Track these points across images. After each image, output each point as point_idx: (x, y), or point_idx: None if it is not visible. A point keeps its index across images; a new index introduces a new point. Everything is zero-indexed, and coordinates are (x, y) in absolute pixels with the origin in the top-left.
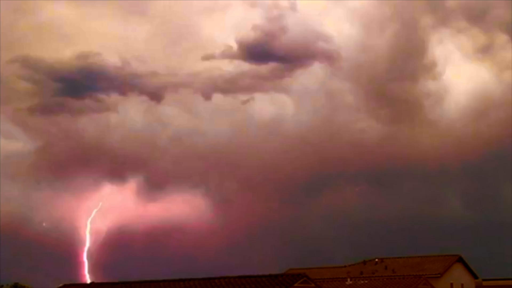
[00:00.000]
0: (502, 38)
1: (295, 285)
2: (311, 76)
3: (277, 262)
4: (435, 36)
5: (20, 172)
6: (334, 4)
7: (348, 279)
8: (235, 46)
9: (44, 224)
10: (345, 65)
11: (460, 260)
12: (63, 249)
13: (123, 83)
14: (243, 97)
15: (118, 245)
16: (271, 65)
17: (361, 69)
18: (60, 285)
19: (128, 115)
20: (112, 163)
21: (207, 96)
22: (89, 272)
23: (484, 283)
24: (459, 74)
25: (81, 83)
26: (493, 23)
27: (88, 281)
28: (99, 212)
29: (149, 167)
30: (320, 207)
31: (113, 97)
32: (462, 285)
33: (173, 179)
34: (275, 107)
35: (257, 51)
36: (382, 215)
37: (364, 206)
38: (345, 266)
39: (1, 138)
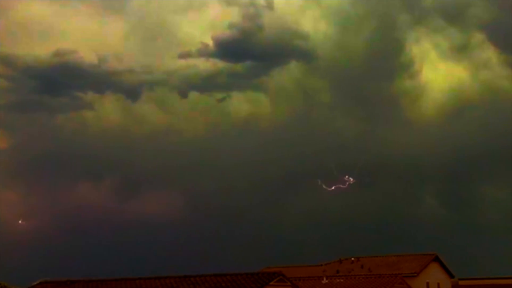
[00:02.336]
0: (478, 37)
1: (271, 283)
2: (288, 74)
3: (253, 260)
4: (412, 35)
5: None
6: (310, 2)
7: (324, 278)
8: (211, 44)
9: (20, 222)
10: (322, 64)
11: (437, 259)
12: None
13: (99, 81)
14: (219, 95)
15: (92, 242)
16: (248, 63)
17: (337, 68)
18: (37, 282)
19: (105, 113)
20: (88, 161)
21: (184, 94)
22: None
23: (460, 282)
24: (436, 73)
25: (58, 81)
26: (470, 22)
27: None
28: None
29: (125, 165)
30: (296, 205)
31: (90, 95)
32: (438, 284)
33: (149, 176)
34: (251, 105)
35: (234, 50)
36: (358, 214)
37: (340, 204)
38: (321, 265)
39: None
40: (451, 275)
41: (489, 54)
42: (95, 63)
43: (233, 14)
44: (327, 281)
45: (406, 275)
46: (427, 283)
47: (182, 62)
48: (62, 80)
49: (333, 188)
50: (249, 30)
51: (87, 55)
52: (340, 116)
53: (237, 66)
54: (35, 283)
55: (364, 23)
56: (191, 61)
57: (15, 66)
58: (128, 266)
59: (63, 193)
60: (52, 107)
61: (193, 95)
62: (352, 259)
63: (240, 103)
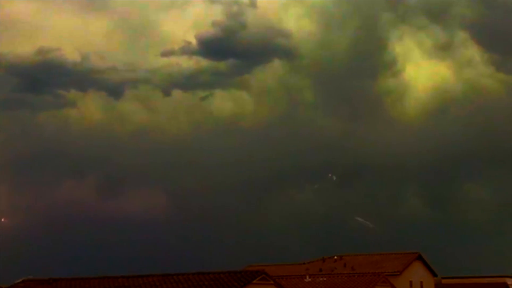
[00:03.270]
0: (462, 35)
1: (254, 281)
2: (271, 72)
3: (236, 259)
4: (395, 33)
5: None
6: (293, 1)
7: (307, 276)
8: (194, 42)
9: (2, 220)
10: (305, 62)
11: (420, 258)
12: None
13: (82, 78)
14: (202, 93)
15: (75, 240)
16: (231, 61)
17: (320, 66)
18: (19, 280)
19: (87, 111)
20: (71, 159)
21: (167, 92)
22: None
23: (444, 281)
24: (419, 72)
25: (40, 79)
26: (453, 20)
27: None
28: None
29: (108, 163)
30: (279, 204)
31: (72, 93)
32: (421, 283)
33: (132, 175)
34: (234, 103)
35: (217, 48)
36: (341, 212)
37: (323, 203)
38: (304, 263)
39: None
40: (434, 274)
41: (473, 52)
42: (77, 61)
43: (216, 12)
44: (310, 279)
45: (389, 274)
46: (410, 282)
47: (165, 60)
48: (44, 78)
49: (316, 186)
50: (232, 28)
51: (70, 53)
52: (323, 114)
53: (220, 64)
54: (17, 281)
55: (347, 22)
56: (174, 59)
57: None
58: (111, 264)
59: (45, 191)
60: (35, 105)
61: (176, 93)
62: (335, 257)
63: (223, 102)
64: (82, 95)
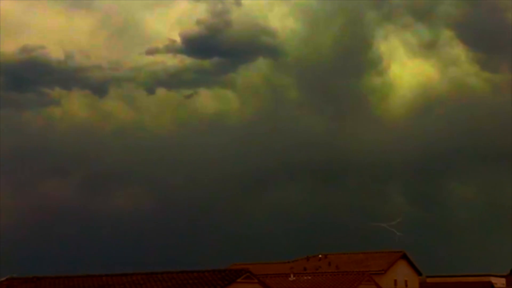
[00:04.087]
0: (447, 34)
1: (238, 280)
2: (255, 71)
3: (220, 257)
4: (380, 31)
5: None
6: None
7: (292, 275)
8: (179, 40)
9: None
10: (289, 60)
11: (404, 256)
12: None
13: (66, 77)
14: (186, 91)
15: (59, 238)
16: (215, 59)
17: (305, 64)
18: (3, 278)
19: (72, 109)
20: (55, 157)
21: (151, 91)
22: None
23: (428, 279)
24: (404, 70)
25: (25, 77)
26: (439, 19)
27: None
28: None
29: (93, 161)
30: (264, 202)
31: (57, 91)
32: (406, 281)
33: (116, 173)
34: (218, 101)
35: (201, 46)
36: (326, 210)
37: (308, 201)
38: (288, 262)
39: None
40: (418, 273)
41: (458, 51)
42: (62, 59)
43: (201, 11)
44: (294, 278)
45: (374, 273)
46: (395, 281)
47: (150, 58)
48: (29, 76)
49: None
50: (217, 26)
51: (54, 51)
52: (308, 113)
53: (205, 62)
54: (1, 279)
55: (332, 20)
56: (158, 58)
57: None
58: (95, 262)
59: (30, 188)
60: (19, 103)
61: (161, 91)
62: (320, 256)
63: (207, 100)
64: (67, 93)
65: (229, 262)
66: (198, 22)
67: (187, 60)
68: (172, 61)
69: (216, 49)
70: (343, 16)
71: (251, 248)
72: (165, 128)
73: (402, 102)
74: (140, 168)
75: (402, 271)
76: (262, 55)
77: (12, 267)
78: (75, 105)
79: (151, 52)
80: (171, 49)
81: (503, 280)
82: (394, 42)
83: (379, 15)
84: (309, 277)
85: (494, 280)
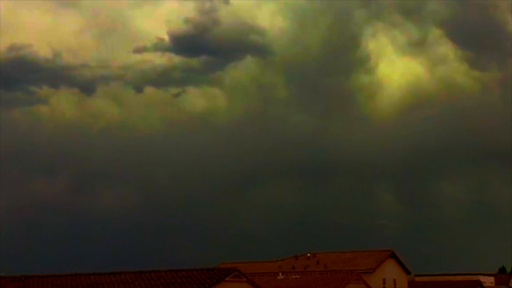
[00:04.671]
0: (436, 32)
1: (226, 279)
2: (243, 69)
3: (208, 256)
4: (369, 30)
5: None
6: None
7: (280, 274)
8: (167, 39)
9: None
10: (278, 59)
11: (393, 255)
12: None
13: (54, 75)
14: (175, 90)
15: (47, 237)
16: (203, 58)
17: (293, 63)
18: None
19: (60, 108)
20: (43, 156)
21: (139, 89)
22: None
23: (417, 278)
24: (392, 69)
25: (12, 75)
26: (427, 17)
27: None
28: None
29: (80, 160)
30: (253, 201)
31: (45, 90)
32: (394, 280)
33: (104, 171)
34: (207, 100)
35: (189, 44)
36: (314, 209)
37: (297, 200)
38: (277, 261)
39: None
40: (407, 272)
41: (447, 49)
42: (49, 57)
43: (189, 9)
44: (282, 277)
45: (362, 271)
46: (383, 280)
47: (138, 57)
48: (16, 75)
49: (289, 183)
50: (205, 25)
51: (42, 50)
52: (296, 111)
53: (193, 61)
54: None
55: (320, 19)
56: (146, 56)
57: None
58: (83, 261)
59: (17, 187)
60: (7, 101)
61: (149, 90)
62: (308, 255)
63: (195, 98)
64: (54, 91)
65: (218, 261)
66: (186, 21)
67: (175, 59)
68: (160, 60)
69: (204, 47)
70: (332, 15)
71: (239, 247)
72: (153, 126)
73: (391, 101)
74: (128, 167)
75: (390, 270)
76: (250, 53)
77: (0, 266)
78: (63, 104)
79: (139, 50)
80: (159, 47)
81: (491, 279)
82: (383, 40)
83: (368, 13)
84: (298, 276)
85: (482, 279)
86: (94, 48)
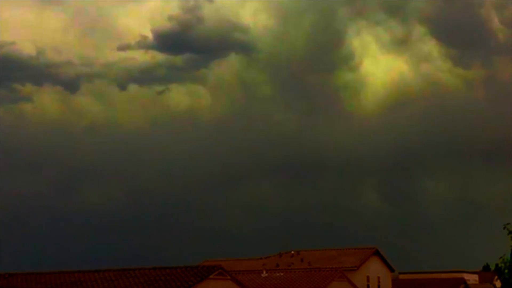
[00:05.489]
0: (419, 30)
1: (210, 277)
2: (227, 67)
3: (192, 254)
4: (353, 27)
5: None
6: None
7: (264, 272)
8: (150, 36)
9: None
10: (262, 57)
11: (377, 253)
12: None
13: (38, 73)
14: (158, 87)
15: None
16: (187, 55)
17: (277, 61)
18: None
19: (43, 105)
20: (27, 153)
21: (123, 87)
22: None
23: (401, 276)
24: (376, 66)
25: None
26: (411, 15)
27: None
28: None
29: (64, 157)
30: (237, 198)
31: (28, 87)
32: (378, 278)
33: (88, 169)
34: (191, 98)
35: (173, 42)
36: (298, 207)
37: (281, 198)
38: (261, 258)
39: None
40: (391, 269)
41: (431, 47)
42: (33, 55)
43: (173, 6)
44: (266, 274)
45: (346, 269)
46: (367, 277)
47: (121, 54)
48: (0, 72)
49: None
50: (189, 22)
51: (26, 47)
52: (281, 109)
53: (177, 58)
54: None
55: (304, 16)
56: (130, 54)
57: None
58: (68, 258)
59: (1, 184)
60: None
61: (132, 87)
62: (292, 252)
63: (179, 96)
64: (38, 89)
65: (202, 259)
66: (170, 18)
67: (159, 56)
68: (144, 57)
69: (188, 45)
70: (316, 12)
71: (223, 245)
72: (137, 124)
73: (375, 99)
74: (112, 164)
75: (374, 267)
76: (234, 51)
77: None
78: (46, 101)
79: (123, 48)
80: (142, 45)
81: (475, 277)
82: (367, 38)
83: (352, 11)
84: (282, 274)
85: (466, 276)
86: (78, 46)
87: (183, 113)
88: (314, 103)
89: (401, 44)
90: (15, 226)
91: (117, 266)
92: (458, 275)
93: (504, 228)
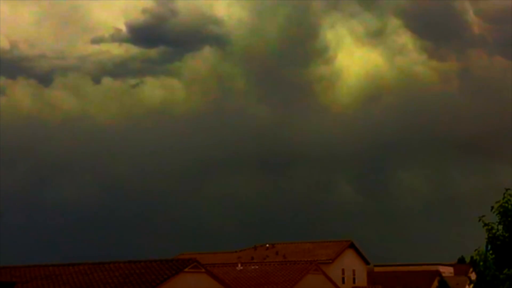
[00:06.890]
0: (394, 22)
1: (186, 270)
2: (201, 60)
3: (167, 247)
4: (327, 20)
5: None
6: None
7: (239, 265)
8: (124, 29)
9: None
10: (236, 49)
11: (352, 246)
12: None
13: (11, 66)
14: (132, 81)
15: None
16: (161, 48)
17: (252, 54)
18: None
19: (17, 99)
20: (1, 147)
21: (97, 80)
22: None
23: (376, 269)
24: (351, 59)
25: None
26: (386, 7)
27: None
28: None
29: (38, 151)
30: (211, 192)
31: (2, 80)
32: (353, 271)
33: (63, 162)
34: (165, 91)
35: (147, 35)
36: (273, 200)
37: (255, 191)
38: (236, 251)
39: None
40: (366, 262)
41: (406, 39)
42: (7, 48)
43: None
44: (241, 267)
45: (322, 262)
46: (343, 270)
47: (95, 48)
48: None
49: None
50: (163, 15)
51: None
52: (255, 102)
53: (151, 51)
54: None
55: (278, 9)
56: (104, 47)
57: None
58: (42, 252)
59: None
60: None
61: (106, 80)
62: (267, 245)
63: (153, 89)
64: (12, 82)
65: (177, 252)
66: (144, 11)
67: (132, 49)
68: (118, 50)
69: (162, 38)
70: (290, 5)
71: (198, 238)
72: (111, 117)
73: (349, 91)
74: (86, 158)
75: (349, 260)
76: (208, 44)
77: None
78: (20, 95)
79: (97, 41)
80: (116, 38)
81: (450, 269)
82: (341, 30)
83: (326, 3)
84: (257, 267)
85: (442, 269)
86: (51, 39)
87: (157, 106)
88: (288, 96)
89: (376, 37)
90: None
91: (92, 260)
92: (433, 268)
93: (479, 220)
